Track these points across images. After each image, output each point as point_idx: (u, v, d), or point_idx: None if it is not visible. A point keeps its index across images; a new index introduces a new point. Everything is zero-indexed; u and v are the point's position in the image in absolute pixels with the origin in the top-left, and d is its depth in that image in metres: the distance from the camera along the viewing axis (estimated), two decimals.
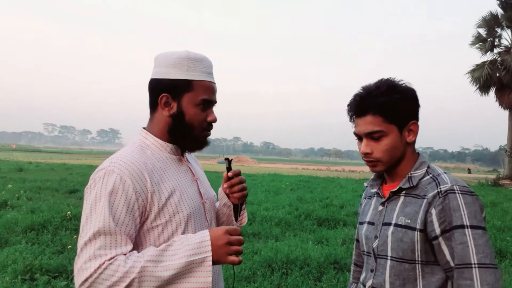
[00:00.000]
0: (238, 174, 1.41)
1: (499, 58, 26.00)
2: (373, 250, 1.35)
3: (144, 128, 1.36)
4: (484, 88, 26.26)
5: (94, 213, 1.14)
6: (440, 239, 1.20)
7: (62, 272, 4.55)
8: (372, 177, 1.49)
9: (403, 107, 1.29)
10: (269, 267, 5.00)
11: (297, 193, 13.60)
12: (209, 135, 1.36)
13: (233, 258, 1.18)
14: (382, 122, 1.28)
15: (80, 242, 1.13)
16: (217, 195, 1.52)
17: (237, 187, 1.40)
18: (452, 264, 1.18)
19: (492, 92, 26.38)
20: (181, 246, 1.14)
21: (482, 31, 26.65)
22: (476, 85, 26.25)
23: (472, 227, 1.17)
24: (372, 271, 1.35)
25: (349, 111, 1.35)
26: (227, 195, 1.45)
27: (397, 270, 1.27)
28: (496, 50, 26.55)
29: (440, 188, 1.23)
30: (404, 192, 1.32)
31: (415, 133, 1.33)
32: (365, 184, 1.50)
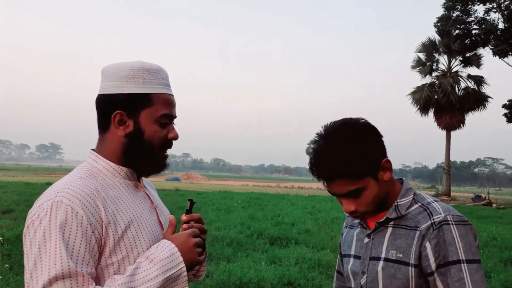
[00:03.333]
0: (197, 220, 1.23)
1: (437, 82, 27.82)
2: (361, 286, 1.26)
3: (93, 150, 1.20)
4: (424, 109, 27.97)
5: (45, 255, 0.95)
6: (436, 274, 1.13)
7: None
8: None
9: (368, 157, 1.15)
10: None
11: (249, 211, 13.47)
12: (167, 156, 1.22)
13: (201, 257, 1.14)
14: (353, 181, 1.15)
15: None
16: None
17: (198, 240, 1.18)
18: None
19: (431, 113, 28.11)
20: (151, 265, 1.04)
21: (422, 56, 28.47)
22: (417, 106, 27.88)
23: (468, 261, 1.11)
24: None
25: (312, 174, 1.19)
26: None
27: None
28: (434, 74, 28.43)
29: (433, 219, 1.16)
30: (392, 222, 1.24)
31: (390, 168, 1.22)
32: (347, 213, 1.40)
